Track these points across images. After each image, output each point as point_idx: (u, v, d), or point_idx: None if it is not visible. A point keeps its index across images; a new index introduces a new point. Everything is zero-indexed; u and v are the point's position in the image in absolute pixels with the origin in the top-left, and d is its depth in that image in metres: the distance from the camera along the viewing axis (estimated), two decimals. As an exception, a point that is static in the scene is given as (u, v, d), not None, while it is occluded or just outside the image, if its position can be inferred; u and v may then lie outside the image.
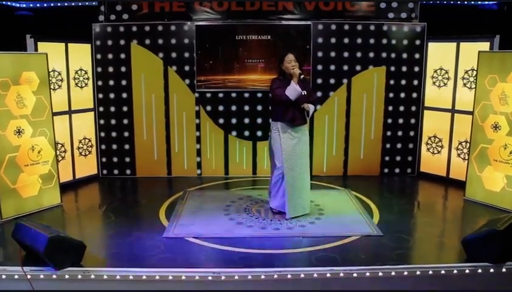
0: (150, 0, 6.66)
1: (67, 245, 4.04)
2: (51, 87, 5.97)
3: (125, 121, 6.97)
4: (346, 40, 6.84)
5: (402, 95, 6.97)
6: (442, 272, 4.06)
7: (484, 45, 6.14)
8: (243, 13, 6.78)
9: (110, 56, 6.81)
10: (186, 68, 6.86)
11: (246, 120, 7.03)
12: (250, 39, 6.80)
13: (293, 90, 5.04)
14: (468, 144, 6.17)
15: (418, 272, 4.05)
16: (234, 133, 7.06)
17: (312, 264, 4.19)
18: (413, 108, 7.00)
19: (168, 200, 6.00)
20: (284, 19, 6.81)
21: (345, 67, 6.90)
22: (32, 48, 5.93)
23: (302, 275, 4.00)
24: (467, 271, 4.07)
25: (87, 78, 6.78)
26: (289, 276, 3.99)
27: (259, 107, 6.98)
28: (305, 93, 5.13)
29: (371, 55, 6.87)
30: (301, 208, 5.35)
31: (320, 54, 6.86)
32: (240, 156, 7.12)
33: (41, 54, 5.61)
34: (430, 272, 4.05)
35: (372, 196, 6.12)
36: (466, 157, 6.23)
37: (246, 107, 6.99)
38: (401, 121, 7.04)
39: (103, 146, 7.03)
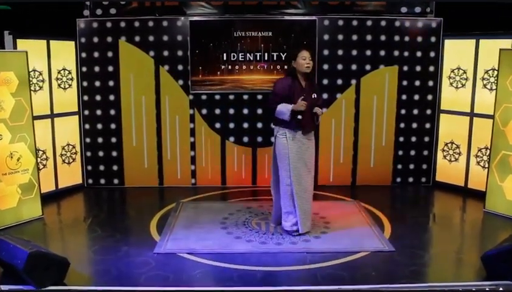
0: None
1: (49, 261, 4.07)
2: (32, 88, 6.01)
3: (113, 125, 7.00)
4: (354, 37, 6.88)
5: (416, 97, 7.02)
6: (460, 290, 4.07)
7: (506, 43, 6.17)
8: (241, 7, 6.84)
9: (96, 54, 6.85)
10: (180, 67, 6.90)
11: (245, 125, 7.06)
12: (249, 35, 6.84)
13: (283, 114, 4.99)
14: (488, 151, 6.20)
15: (434, 291, 4.08)
16: (232, 139, 7.09)
17: (317, 283, 4.21)
18: (428, 111, 7.04)
19: (160, 212, 6.03)
20: (287, 14, 6.86)
21: (354, 67, 6.94)
22: (11, 46, 5.97)
23: (306, 295, 4.04)
24: (487, 289, 4.09)
25: (71, 79, 6.82)
26: (292, 295, 4.03)
27: (259, 111, 7.01)
28: (315, 96, 5.16)
29: (382, 53, 6.92)
30: (310, 223, 5.34)
31: (326, 52, 6.90)
32: (238, 164, 7.15)
33: (21, 52, 5.65)
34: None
35: (383, 207, 6.15)
36: (486, 165, 6.26)
37: (245, 111, 7.03)
38: (414, 125, 7.08)
39: (89, 153, 7.06)
